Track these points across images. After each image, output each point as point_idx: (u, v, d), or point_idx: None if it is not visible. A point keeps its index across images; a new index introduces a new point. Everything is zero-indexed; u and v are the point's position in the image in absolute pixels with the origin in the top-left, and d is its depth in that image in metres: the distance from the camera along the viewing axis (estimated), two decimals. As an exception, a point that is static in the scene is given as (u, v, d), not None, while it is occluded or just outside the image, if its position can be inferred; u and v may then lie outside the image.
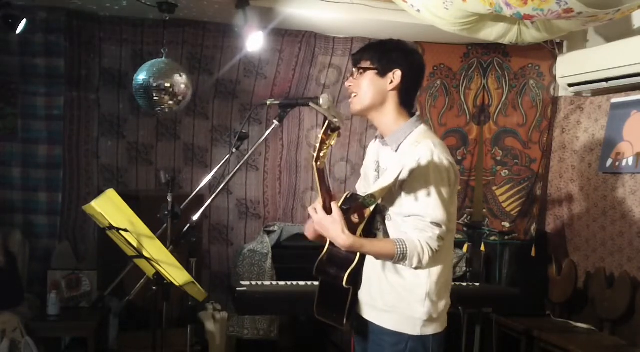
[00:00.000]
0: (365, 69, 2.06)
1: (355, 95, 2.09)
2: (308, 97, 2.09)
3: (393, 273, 2.00)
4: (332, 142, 1.80)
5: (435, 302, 2.00)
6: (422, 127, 2.07)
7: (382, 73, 2.05)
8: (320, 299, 2.13)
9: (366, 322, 2.08)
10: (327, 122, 1.77)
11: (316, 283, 2.17)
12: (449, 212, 1.95)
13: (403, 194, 1.96)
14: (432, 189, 1.92)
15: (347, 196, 2.07)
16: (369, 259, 2.04)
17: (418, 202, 1.93)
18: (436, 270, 1.99)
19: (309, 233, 2.20)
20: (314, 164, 1.82)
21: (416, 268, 1.93)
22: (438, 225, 1.91)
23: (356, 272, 2.02)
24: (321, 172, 1.87)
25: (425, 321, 1.99)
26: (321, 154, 1.80)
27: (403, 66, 2.05)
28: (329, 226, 1.91)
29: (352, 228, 1.97)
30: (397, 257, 1.90)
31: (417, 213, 1.93)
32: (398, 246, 1.89)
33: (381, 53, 2.06)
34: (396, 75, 2.05)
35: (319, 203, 1.94)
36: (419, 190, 1.93)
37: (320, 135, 1.77)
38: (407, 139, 2.04)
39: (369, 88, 2.06)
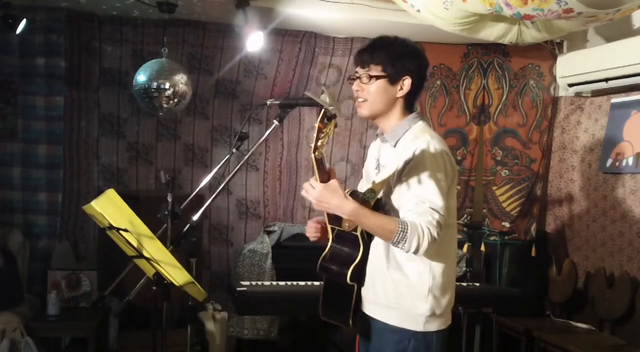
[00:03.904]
0: (378, 77, 2.04)
1: (363, 101, 2.07)
2: (308, 97, 2.08)
3: (396, 271, 2.00)
4: (330, 132, 1.79)
5: (439, 298, 1.99)
6: (421, 124, 2.07)
7: (393, 81, 2.04)
8: (325, 300, 2.13)
9: (369, 320, 2.07)
10: (322, 110, 1.77)
11: (317, 283, 2.17)
12: (447, 201, 1.93)
13: (402, 184, 1.97)
14: (430, 177, 1.91)
15: (347, 193, 2.06)
16: (372, 257, 2.04)
17: (416, 189, 1.93)
18: (439, 267, 1.99)
19: (310, 233, 2.20)
20: (312, 154, 1.81)
21: (414, 252, 1.87)
22: (436, 211, 1.89)
23: (359, 268, 2.02)
24: (320, 162, 1.86)
25: (428, 317, 1.98)
26: (319, 144, 1.79)
27: (413, 73, 2.05)
28: (329, 196, 1.89)
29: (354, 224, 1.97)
30: (397, 235, 1.85)
31: (415, 199, 1.92)
32: (400, 224, 1.86)
33: (392, 58, 2.03)
34: (406, 83, 2.05)
35: (313, 180, 1.92)
36: (417, 178, 1.93)
37: (316, 124, 1.77)
38: (405, 135, 2.05)
39: (379, 96, 2.05)
